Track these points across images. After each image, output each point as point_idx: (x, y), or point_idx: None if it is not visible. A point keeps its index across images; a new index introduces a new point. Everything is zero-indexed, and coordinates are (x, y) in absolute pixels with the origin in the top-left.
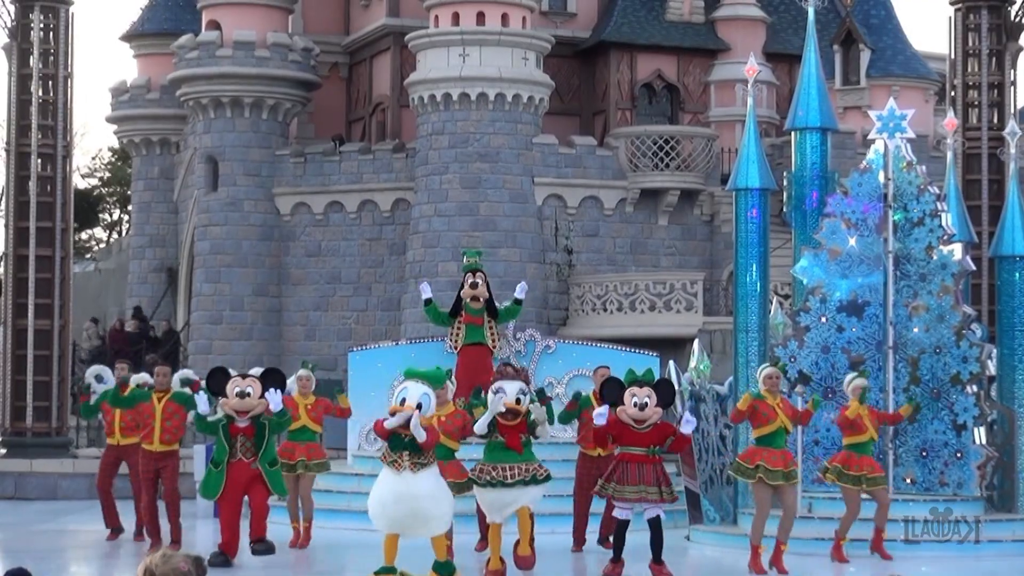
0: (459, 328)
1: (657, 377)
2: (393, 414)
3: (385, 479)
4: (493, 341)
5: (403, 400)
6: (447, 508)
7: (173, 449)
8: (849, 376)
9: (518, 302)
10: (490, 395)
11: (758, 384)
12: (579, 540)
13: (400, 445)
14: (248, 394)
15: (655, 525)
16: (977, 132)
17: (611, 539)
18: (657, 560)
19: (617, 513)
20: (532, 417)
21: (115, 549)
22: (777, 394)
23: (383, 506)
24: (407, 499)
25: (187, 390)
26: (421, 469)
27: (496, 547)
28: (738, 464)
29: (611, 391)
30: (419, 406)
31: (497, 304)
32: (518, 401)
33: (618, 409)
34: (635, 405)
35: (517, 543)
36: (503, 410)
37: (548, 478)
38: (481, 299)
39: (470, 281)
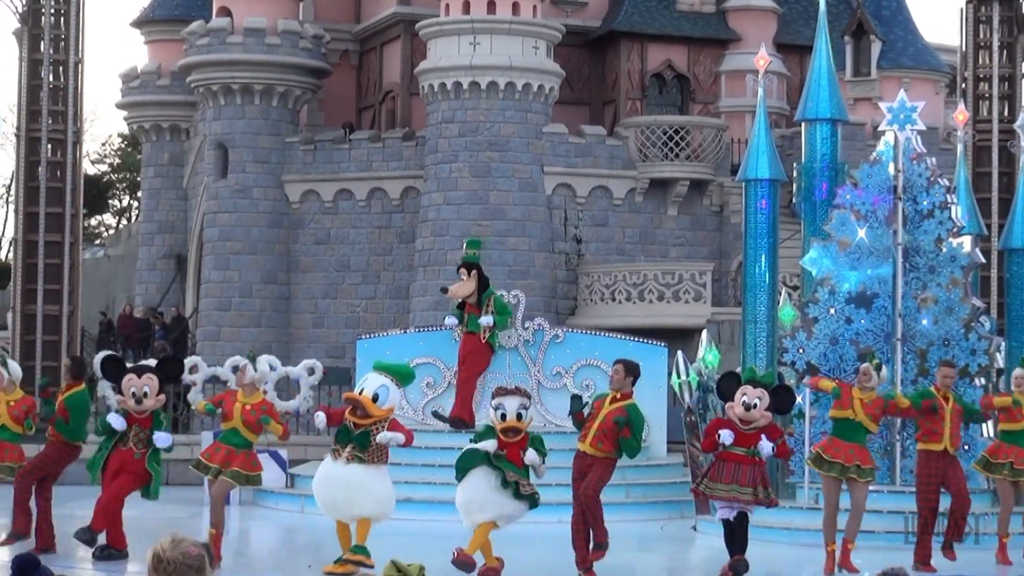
0: (466, 318)
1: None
2: (348, 400)
3: (323, 465)
4: (485, 330)
5: (361, 390)
6: (376, 497)
7: (64, 442)
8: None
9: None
10: (490, 411)
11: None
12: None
13: (347, 438)
14: (145, 395)
15: (734, 522)
16: (988, 124)
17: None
18: (736, 552)
19: (720, 514)
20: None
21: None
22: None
23: (316, 487)
24: (337, 484)
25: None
26: (359, 463)
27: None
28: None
29: (729, 387)
30: (375, 397)
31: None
32: (519, 417)
33: (726, 405)
34: (743, 404)
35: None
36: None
37: (536, 502)
38: (461, 296)
39: (463, 277)
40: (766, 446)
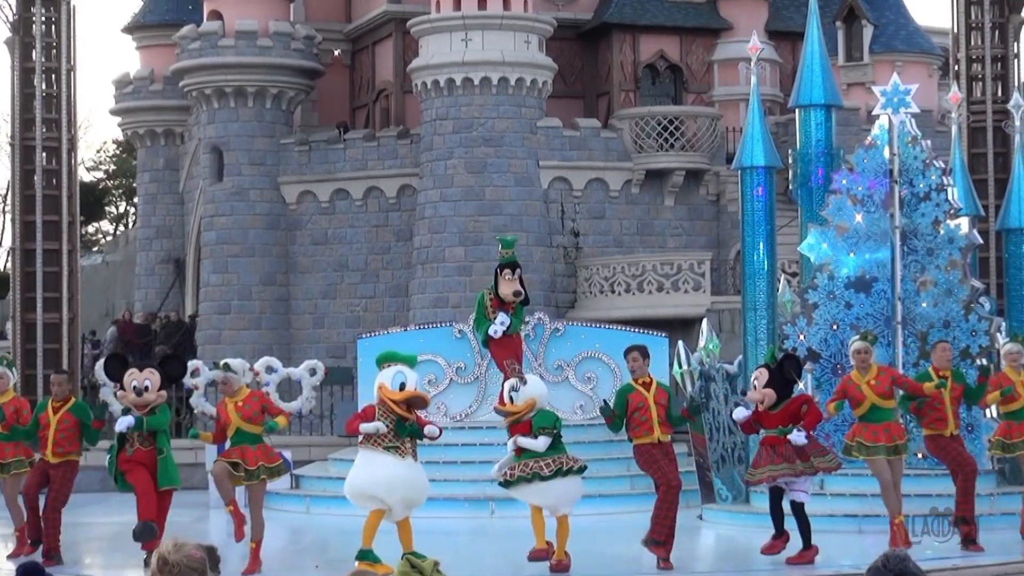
0: (495, 315)
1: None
2: (406, 402)
3: (386, 463)
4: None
5: (402, 384)
6: (426, 489)
7: (68, 460)
8: (1003, 342)
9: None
10: (506, 386)
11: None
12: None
13: (405, 432)
14: (147, 388)
15: (798, 509)
16: (982, 105)
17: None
18: (806, 545)
19: (799, 496)
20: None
21: (127, 542)
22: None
23: (390, 489)
24: (410, 484)
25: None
26: (413, 457)
27: (541, 530)
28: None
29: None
30: (402, 386)
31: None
32: (511, 400)
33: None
34: (753, 387)
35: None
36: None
37: (583, 468)
38: (519, 294)
39: (508, 278)
40: (798, 438)
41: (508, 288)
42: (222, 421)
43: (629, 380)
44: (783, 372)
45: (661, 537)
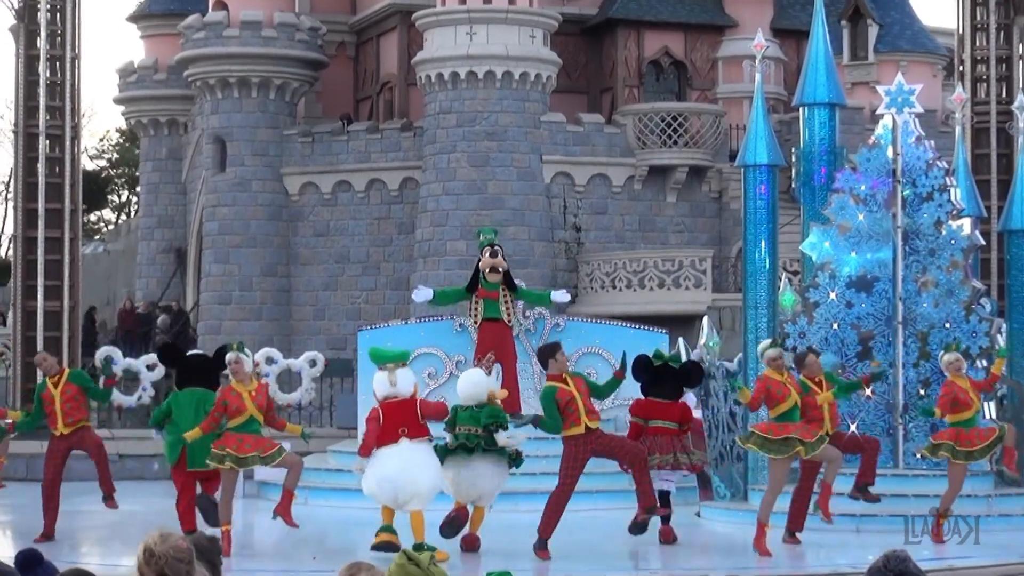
0: (476, 303)
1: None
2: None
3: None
4: (508, 315)
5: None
6: None
7: (81, 427)
8: (941, 353)
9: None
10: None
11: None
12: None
13: None
14: None
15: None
16: (986, 106)
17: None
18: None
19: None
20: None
21: (127, 529)
22: (784, 371)
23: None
24: None
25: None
26: None
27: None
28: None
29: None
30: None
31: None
32: None
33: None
34: None
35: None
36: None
37: (484, 445)
38: (500, 269)
39: (489, 252)
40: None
41: (487, 263)
42: (231, 407)
43: (547, 383)
44: (666, 372)
45: (546, 536)
